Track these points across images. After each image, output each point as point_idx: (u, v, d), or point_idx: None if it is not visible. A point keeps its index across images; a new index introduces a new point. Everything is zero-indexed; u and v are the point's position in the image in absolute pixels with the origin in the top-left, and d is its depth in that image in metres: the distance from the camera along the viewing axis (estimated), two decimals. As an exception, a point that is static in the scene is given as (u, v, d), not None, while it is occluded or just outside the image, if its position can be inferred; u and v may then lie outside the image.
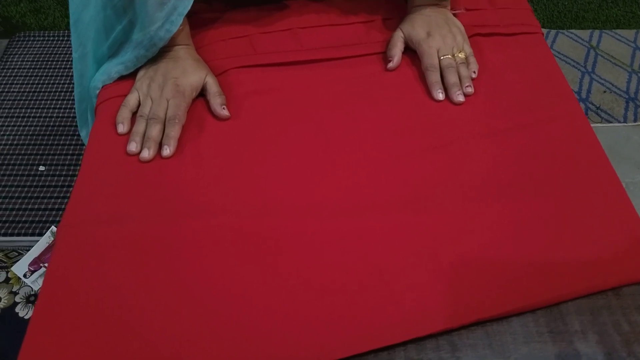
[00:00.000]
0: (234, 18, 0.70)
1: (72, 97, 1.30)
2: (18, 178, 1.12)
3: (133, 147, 0.56)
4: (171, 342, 0.44)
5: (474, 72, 0.64)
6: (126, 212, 0.51)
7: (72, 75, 1.35)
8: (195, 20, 0.69)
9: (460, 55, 0.65)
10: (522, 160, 0.56)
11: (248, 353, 0.43)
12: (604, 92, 1.44)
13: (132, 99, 0.60)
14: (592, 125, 1.39)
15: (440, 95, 0.62)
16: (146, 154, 0.55)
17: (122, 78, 0.63)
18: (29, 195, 1.10)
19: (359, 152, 0.57)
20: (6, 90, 1.30)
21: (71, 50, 1.40)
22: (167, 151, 0.55)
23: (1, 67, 1.36)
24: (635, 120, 1.38)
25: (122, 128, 0.58)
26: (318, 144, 0.58)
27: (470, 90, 0.62)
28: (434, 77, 0.62)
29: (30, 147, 1.18)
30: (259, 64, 0.65)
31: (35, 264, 1.03)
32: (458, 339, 0.44)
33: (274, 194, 0.53)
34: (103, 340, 0.43)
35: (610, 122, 1.38)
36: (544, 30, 1.62)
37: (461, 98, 0.61)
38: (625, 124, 1.37)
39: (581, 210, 0.52)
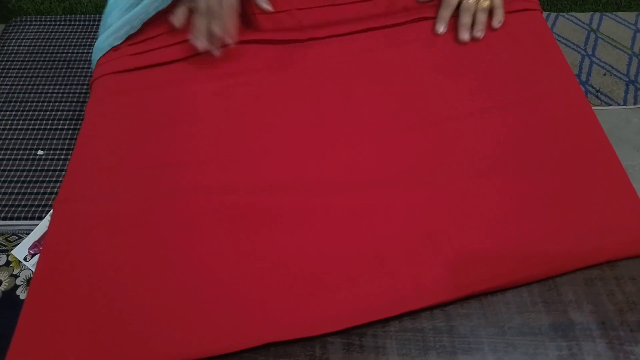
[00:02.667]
0: None
1: (69, 82, 1.30)
2: (17, 162, 1.12)
3: (201, 44, 0.60)
4: (166, 319, 0.44)
5: (499, 21, 0.66)
6: (123, 188, 0.51)
7: (69, 60, 1.35)
8: None
9: (485, 3, 0.66)
10: (519, 136, 0.55)
11: (244, 327, 0.44)
12: (604, 74, 1.43)
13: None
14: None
15: (465, 36, 0.65)
16: (216, 51, 0.61)
17: (116, 56, 0.63)
18: (28, 179, 1.10)
19: (356, 128, 0.57)
20: (3, 75, 1.30)
21: (67, 35, 1.40)
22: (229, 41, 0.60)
23: (-2, 52, 1.35)
24: (635, 103, 1.37)
25: (177, 22, 0.62)
26: (314, 119, 0.58)
27: (480, 34, 0.64)
28: (462, 19, 0.65)
29: (29, 131, 1.18)
30: (255, 40, 0.64)
31: (35, 247, 1.03)
32: (452, 308, 0.44)
33: (271, 171, 0.53)
34: (98, 319, 0.43)
35: (610, 105, 1.37)
36: (544, 13, 1.61)
37: (465, 37, 0.64)
38: (625, 107, 1.36)
39: (577, 185, 0.52)
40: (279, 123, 0.57)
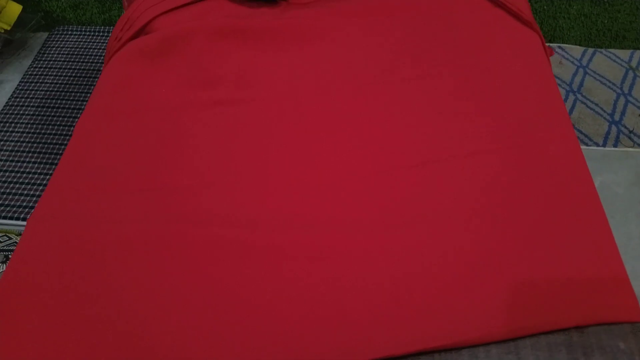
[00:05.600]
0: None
1: (100, 91, 1.35)
2: (42, 166, 1.17)
3: None
4: (134, 342, 0.44)
5: None
6: (101, 211, 0.52)
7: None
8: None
9: None
10: (502, 186, 0.54)
11: None
12: (640, 115, 1.37)
13: None
14: (623, 149, 1.33)
15: None
16: None
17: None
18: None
19: (341, 166, 0.56)
20: (41, 80, 1.36)
21: (104, 45, 1.46)
22: None
23: (39, 58, 1.42)
24: (670, 147, 1.31)
25: None
26: (308, 153, 0.58)
27: None
28: None
29: (57, 137, 1.23)
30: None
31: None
32: (403, 363, 0.43)
33: (251, 204, 0.53)
34: (59, 336, 0.44)
35: (643, 147, 1.31)
36: (581, 48, 1.56)
37: None
38: (659, 150, 1.30)
39: (554, 241, 0.49)
40: (268, 155, 0.58)
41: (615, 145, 1.32)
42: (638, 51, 1.53)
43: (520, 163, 0.55)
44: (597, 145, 1.32)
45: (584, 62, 1.52)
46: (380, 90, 0.63)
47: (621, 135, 1.34)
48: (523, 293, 0.46)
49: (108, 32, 1.51)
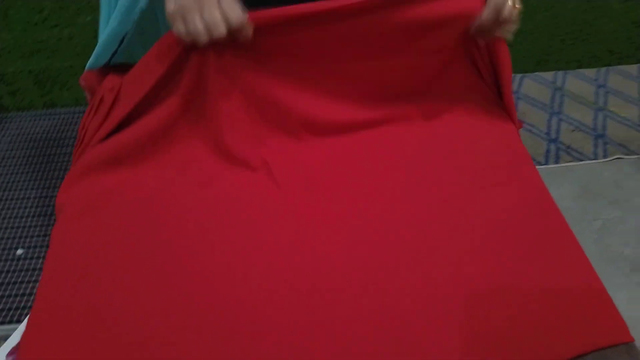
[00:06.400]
0: None
1: (50, 176, 1.31)
2: (-6, 264, 1.11)
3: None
4: None
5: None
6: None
7: (49, 154, 1.36)
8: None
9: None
10: (478, 229, 0.56)
11: None
12: (573, 131, 1.47)
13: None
14: (564, 164, 1.40)
15: None
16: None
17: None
18: (7, 280, 1.08)
19: (325, 229, 0.58)
20: (-16, 174, 1.31)
21: (47, 129, 1.42)
22: None
23: (-21, 151, 1.37)
24: (605, 157, 1.41)
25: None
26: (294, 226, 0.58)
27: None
28: None
29: (8, 230, 1.18)
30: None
31: (14, 353, 1.00)
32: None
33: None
34: None
35: (582, 160, 1.40)
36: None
37: None
38: (597, 161, 1.40)
39: (539, 278, 0.52)
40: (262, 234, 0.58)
41: (556, 162, 1.41)
42: (560, 72, 1.66)
43: (490, 205, 0.58)
44: (540, 164, 1.40)
45: (515, 88, 1.62)
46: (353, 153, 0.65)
47: (560, 152, 1.43)
48: (519, 330, 0.48)
49: (51, 114, 1.48)
